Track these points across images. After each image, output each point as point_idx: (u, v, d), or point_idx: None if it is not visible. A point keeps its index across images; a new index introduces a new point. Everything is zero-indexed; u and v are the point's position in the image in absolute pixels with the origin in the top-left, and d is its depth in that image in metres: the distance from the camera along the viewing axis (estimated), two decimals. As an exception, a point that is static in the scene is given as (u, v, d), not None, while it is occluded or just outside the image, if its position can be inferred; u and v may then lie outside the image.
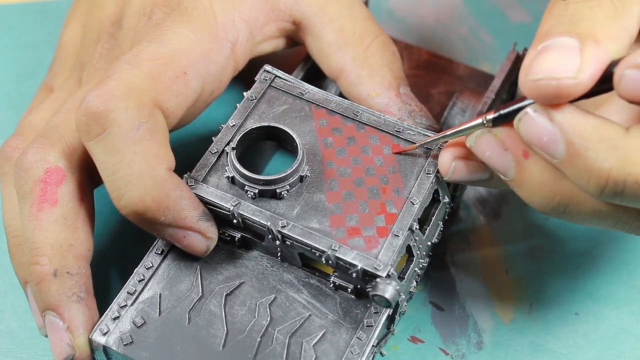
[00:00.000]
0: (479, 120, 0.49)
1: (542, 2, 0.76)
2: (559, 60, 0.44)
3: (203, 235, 0.51)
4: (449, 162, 0.51)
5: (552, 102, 0.44)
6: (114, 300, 0.52)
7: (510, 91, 0.65)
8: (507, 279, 0.61)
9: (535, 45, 0.45)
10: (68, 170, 0.53)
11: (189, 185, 0.52)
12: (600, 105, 0.50)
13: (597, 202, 0.46)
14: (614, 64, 0.44)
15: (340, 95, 0.60)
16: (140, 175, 0.49)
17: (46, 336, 0.52)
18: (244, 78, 0.60)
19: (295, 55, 0.66)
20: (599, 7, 0.45)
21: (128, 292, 0.52)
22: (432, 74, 0.67)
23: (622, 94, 0.43)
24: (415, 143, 0.54)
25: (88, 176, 0.54)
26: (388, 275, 0.49)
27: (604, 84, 0.44)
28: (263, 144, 0.61)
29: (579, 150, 0.44)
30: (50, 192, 0.52)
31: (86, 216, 0.53)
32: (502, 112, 0.48)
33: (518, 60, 0.62)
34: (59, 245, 0.51)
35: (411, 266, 0.53)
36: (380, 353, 0.55)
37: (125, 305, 0.51)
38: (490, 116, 0.48)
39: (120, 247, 0.61)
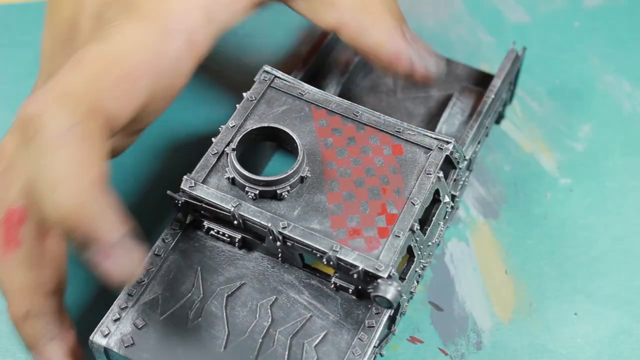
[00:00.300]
0: None
1: (542, 2, 0.76)
2: None
3: (128, 254, 0.47)
4: None
5: None
6: (114, 302, 0.52)
7: (510, 90, 0.65)
8: (507, 279, 0.61)
9: None
10: (29, 206, 0.51)
11: (189, 187, 0.52)
12: None
13: None
14: None
15: (340, 95, 0.60)
16: (64, 181, 0.47)
17: None
18: (245, 78, 0.60)
19: (295, 56, 0.66)
20: None
21: (128, 294, 0.52)
22: (432, 73, 0.67)
23: None
24: (413, 142, 0.54)
25: None
26: (389, 276, 0.50)
27: None
28: (262, 145, 0.61)
29: None
30: (12, 233, 0.51)
31: (53, 248, 0.52)
32: None
33: (517, 59, 0.63)
34: (27, 287, 0.51)
35: (412, 266, 0.53)
36: (380, 353, 0.55)
37: (126, 307, 0.52)
38: None
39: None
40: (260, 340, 0.51)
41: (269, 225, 0.51)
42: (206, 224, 0.54)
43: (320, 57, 0.63)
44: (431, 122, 0.63)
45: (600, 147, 0.68)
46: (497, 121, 0.67)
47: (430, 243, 0.55)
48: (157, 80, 0.52)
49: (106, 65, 0.50)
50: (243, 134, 0.53)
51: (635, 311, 0.60)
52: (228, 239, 0.54)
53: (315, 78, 0.62)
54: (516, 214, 0.64)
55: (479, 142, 0.60)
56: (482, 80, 0.65)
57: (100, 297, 0.53)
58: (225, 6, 0.55)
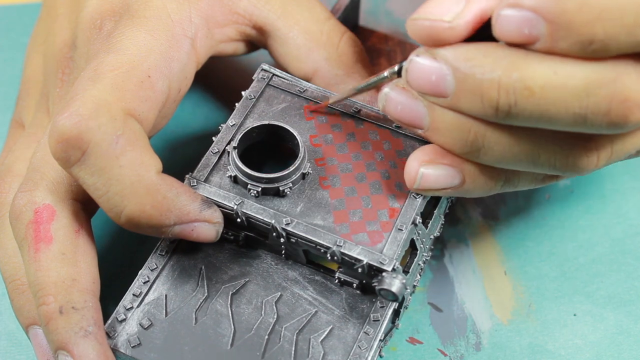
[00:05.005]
0: (384, 74, 0.52)
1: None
2: (444, 5, 0.47)
3: (209, 223, 0.53)
4: (415, 169, 0.53)
5: (432, 44, 0.48)
6: (120, 303, 0.54)
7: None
8: (506, 280, 0.63)
9: None
10: (57, 205, 0.54)
11: (192, 186, 0.54)
12: None
13: (507, 132, 0.49)
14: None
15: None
16: (133, 187, 0.51)
17: None
18: (243, 77, 0.62)
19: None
20: None
21: (133, 294, 0.54)
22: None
23: (499, 35, 0.46)
24: (412, 136, 0.57)
25: (81, 206, 0.56)
26: (393, 269, 0.52)
27: (487, 30, 0.47)
28: (258, 144, 0.63)
29: (466, 71, 0.47)
30: (43, 230, 0.53)
31: (86, 247, 0.55)
32: (403, 63, 0.51)
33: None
34: (62, 282, 0.52)
35: (415, 260, 0.56)
36: (379, 354, 0.57)
37: (132, 308, 0.54)
38: (395, 68, 0.52)
39: (123, 248, 0.63)
40: (266, 336, 0.53)
41: (273, 222, 0.53)
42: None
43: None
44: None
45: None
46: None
47: (431, 236, 0.57)
48: (170, 84, 0.56)
49: (125, 72, 0.53)
50: (244, 132, 0.56)
51: (634, 312, 0.62)
52: (231, 237, 0.56)
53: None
54: (515, 215, 0.66)
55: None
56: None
57: (105, 298, 0.55)
58: (220, 26, 0.60)
